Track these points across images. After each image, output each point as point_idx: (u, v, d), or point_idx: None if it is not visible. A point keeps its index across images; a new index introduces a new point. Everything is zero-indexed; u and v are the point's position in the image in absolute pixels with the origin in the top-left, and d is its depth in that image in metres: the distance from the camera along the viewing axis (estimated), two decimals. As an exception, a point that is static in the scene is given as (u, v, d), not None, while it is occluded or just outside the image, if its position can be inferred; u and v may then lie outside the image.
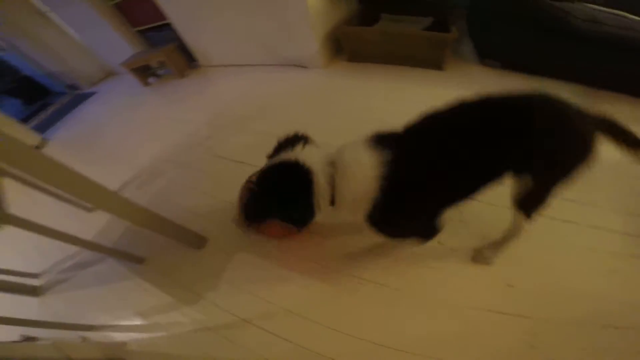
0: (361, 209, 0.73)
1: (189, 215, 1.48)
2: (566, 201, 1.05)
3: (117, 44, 3.04)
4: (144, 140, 2.18)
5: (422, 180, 0.69)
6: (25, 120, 3.54)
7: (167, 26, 2.68)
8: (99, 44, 3.32)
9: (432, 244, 0.95)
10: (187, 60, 2.86)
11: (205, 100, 2.35)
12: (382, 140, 0.72)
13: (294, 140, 0.76)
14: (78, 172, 0.84)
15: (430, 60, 1.97)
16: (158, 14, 2.59)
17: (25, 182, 1.41)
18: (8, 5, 3.02)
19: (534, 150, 0.67)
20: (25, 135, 2.64)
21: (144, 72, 2.87)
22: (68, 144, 2.67)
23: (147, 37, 3.05)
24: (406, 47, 1.98)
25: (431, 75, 1.90)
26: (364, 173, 0.68)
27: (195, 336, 1.09)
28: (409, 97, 1.77)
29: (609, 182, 1.14)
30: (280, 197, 0.71)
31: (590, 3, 1.94)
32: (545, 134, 0.66)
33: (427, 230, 0.87)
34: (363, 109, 1.75)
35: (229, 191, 1.49)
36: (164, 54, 2.60)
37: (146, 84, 2.89)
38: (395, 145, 0.70)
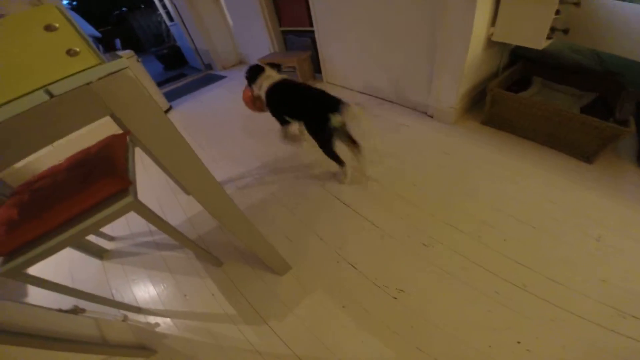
0: (263, 93, 1.67)
1: (278, 236, 1.44)
2: None
3: (260, 38, 3.32)
4: (257, 142, 2.22)
5: (276, 98, 1.63)
6: (159, 84, 4.07)
7: (308, 33, 2.77)
8: (244, 33, 3.70)
9: None
10: (313, 71, 2.89)
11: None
12: (282, 80, 1.64)
13: (273, 65, 1.78)
14: (190, 150, 0.76)
15: (580, 148, 1.61)
16: (306, 20, 2.68)
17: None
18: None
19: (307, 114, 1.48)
20: (157, 98, 2.99)
21: (273, 71, 3.00)
22: (187, 117, 2.96)
23: (285, 39, 3.22)
24: (557, 127, 1.64)
25: (574, 166, 1.55)
26: (268, 83, 1.64)
27: (239, 354, 1.07)
28: (540, 188, 1.45)
29: None
30: (250, 71, 1.75)
31: None
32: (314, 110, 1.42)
33: (281, 121, 1.75)
34: (478, 186, 1.50)
35: (327, 227, 1.43)
36: (296, 61, 2.67)
37: (270, 83, 3.02)
38: (280, 83, 1.62)
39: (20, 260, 0.84)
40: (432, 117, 2.05)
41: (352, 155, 1.55)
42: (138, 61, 2.83)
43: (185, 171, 0.77)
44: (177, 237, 1.17)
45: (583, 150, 1.60)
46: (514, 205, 1.36)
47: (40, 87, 0.56)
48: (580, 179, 1.45)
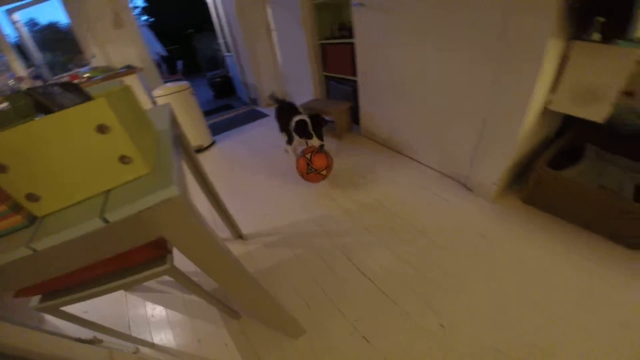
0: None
1: (296, 300, 1.48)
2: None
3: (304, 80, 3.49)
4: (293, 195, 2.25)
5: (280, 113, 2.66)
6: (208, 113, 4.43)
7: (350, 82, 2.85)
8: (291, 73, 3.89)
9: None
10: (351, 122, 2.99)
11: (356, 181, 2.27)
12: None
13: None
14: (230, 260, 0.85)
15: (625, 236, 1.49)
16: (349, 68, 2.75)
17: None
18: (252, 14, 3.84)
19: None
20: (202, 133, 3.25)
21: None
22: (226, 156, 3.12)
23: (328, 85, 3.37)
24: (604, 214, 1.53)
25: (618, 255, 1.44)
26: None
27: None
28: (577, 280, 1.37)
29: None
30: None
31: None
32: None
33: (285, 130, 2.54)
34: (508, 274, 1.44)
35: (347, 300, 1.45)
36: (335, 114, 2.79)
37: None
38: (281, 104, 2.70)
39: (57, 301, 0.99)
40: (471, 190, 1.99)
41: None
42: (192, 94, 3.12)
43: (219, 276, 0.88)
44: (201, 295, 1.25)
45: (627, 238, 1.48)
46: (541, 295, 1.31)
47: (97, 195, 0.66)
48: (621, 269, 1.35)
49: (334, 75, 3.15)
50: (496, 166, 1.78)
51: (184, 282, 1.13)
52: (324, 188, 2.23)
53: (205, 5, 4.84)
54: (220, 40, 5.25)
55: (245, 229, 1.91)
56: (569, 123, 2.03)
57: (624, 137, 1.87)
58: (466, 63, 1.70)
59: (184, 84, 3.05)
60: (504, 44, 1.47)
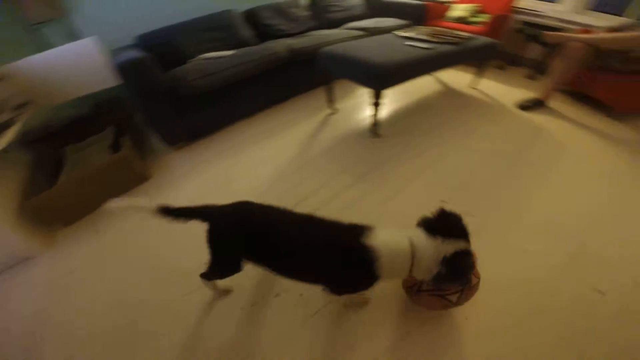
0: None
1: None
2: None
3: None
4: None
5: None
6: None
7: None
8: None
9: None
10: None
11: None
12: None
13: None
14: None
15: (131, 180, 1.94)
16: None
17: None
18: None
19: None
20: None
21: None
22: None
23: None
24: (101, 184, 1.81)
25: (142, 190, 2.01)
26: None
27: None
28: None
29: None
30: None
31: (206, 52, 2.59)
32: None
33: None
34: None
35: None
36: None
37: None
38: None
39: None
40: (33, 258, 1.62)
41: None
42: None
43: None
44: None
45: (134, 180, 2.02)
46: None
47: None
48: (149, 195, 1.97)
49: None
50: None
51: None
52: None
53: None
54: None
55: None
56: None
57: (80, 125, 2.17)
58: None
59: None
60: None
